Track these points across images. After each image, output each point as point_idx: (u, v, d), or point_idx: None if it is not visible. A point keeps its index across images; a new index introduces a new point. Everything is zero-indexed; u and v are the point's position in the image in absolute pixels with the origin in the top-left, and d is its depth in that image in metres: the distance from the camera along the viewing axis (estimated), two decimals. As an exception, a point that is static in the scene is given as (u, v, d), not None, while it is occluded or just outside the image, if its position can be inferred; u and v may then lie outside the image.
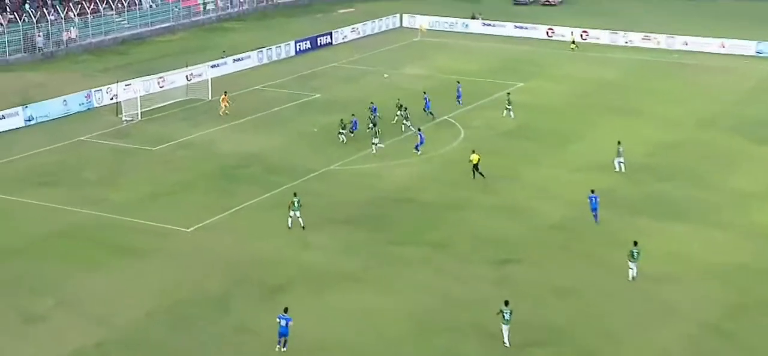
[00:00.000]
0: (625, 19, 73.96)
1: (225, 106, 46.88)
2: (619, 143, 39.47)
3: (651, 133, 44.46)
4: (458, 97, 47.32)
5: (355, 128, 42.86)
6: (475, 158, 38.26)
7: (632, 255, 29.23)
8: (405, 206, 35.24)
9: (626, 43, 66.67)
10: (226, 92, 48.13)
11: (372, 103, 44.99)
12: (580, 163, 40.43)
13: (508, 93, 48.65)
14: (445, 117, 47.25)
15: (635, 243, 29.62)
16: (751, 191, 36.79)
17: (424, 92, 47.54)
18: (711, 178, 37.87)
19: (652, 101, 50.82)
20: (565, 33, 68.39)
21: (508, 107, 46.82)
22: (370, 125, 42.24)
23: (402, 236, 32.57)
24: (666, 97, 51.63)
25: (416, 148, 40.60)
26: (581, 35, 67.99)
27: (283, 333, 24.66)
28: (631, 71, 58.44)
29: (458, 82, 48.37)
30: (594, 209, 33.71)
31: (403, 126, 43.38)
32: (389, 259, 30.89)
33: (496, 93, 52.28)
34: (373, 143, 40.87)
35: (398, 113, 44.46)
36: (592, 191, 34.20)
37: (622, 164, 38.90)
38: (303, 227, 32.58)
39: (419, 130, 41.80)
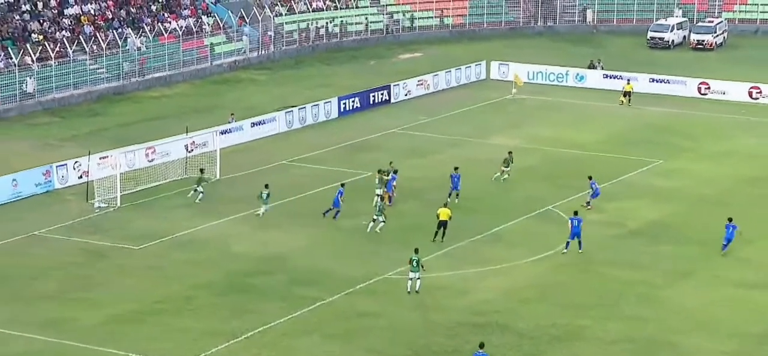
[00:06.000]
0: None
1: (387, 196, 46.61)
2: None
3: None
4: (455, 188, 47.30)
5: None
6: (444, 213, 41.13)
7: None
8: (492, 336, 35.20)
9: (819, 104, 66.28)
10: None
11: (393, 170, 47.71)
12: (748, 277, 39.95)
13: (510, 152, 50.91)
14: (550, 207, 47.46)
15: None
16: None
17: (456, 168, 48.27)
18: None
19: None
20: (727, 89, 68.31)
21: (506, 168, 49.94)
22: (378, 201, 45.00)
23: (487, 380, 32.58)
24: None
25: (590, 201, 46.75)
26: (751, 93, 67.77)
27: None
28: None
29: (456, 168, 48.17)
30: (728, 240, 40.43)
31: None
32: (469, 413, 30.96)
33: (624, 174, 52.33)
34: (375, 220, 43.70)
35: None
36: (730, 220, 40.79)
37: None
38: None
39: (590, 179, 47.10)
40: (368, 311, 37.17)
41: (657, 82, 69.86)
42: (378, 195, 46.38)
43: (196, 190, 47.90)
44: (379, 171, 47.82)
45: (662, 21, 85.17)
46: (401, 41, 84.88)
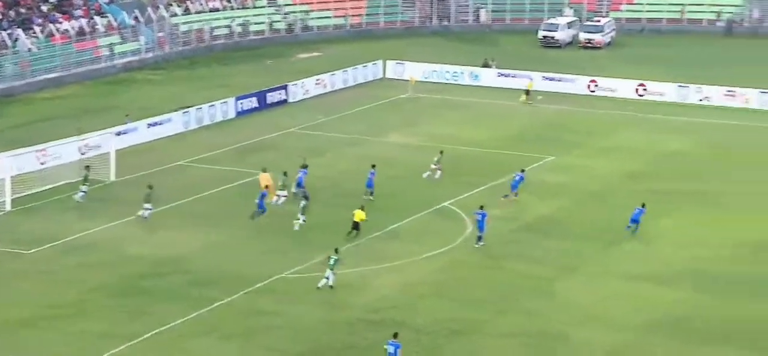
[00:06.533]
0: (698, 68, 75.57)
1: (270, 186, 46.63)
2: None
3: (738, 229, 45.02)
4: (369, 186, 47.68)
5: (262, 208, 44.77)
6: (358, 215, 41.97)
7: None
8: (389, 332, 35.22)
9: (701, 100, 68.08)
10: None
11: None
12: (635, 270, 40.80)
13: (441, 152, 51.31)
14: (446, 204, 47.82)
15: None
16: None
17: (373, 166, 48.45)
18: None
19: (740, 182, 51.58)
20: (614, 86, 69.85)
21: (435, 166, 50.41)
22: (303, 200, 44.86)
23: (384, 376, 32.63)
24: (759, 177, 52.42)
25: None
26: (636, 90, 69.44)
27: None
28: (708, 141, 59.44)
29: (373, 166, 48.42)
30: (635, 220, 43.52)
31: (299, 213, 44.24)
32: (367, 409, 30.94)
33: (518, 170, 52.99)
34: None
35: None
36: (643, 205, 43.86)
37: None
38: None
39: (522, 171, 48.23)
40: (267, 310, 36.90)
41: (550, 79, 71.03)
42: (279, 195, 46.10)
43: (81, 190, 46.91)
44: (264, 170, 47.42)
45: (553, 20, 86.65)
46: (299, 41, 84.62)
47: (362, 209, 43.40)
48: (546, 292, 38.80)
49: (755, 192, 49.75)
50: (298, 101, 67.09)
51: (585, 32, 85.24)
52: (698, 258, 41.71)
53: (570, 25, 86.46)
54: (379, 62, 74.53)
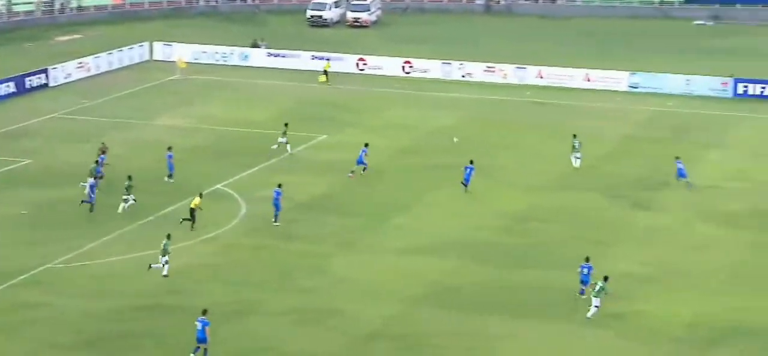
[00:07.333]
0: (460, 45, 78.18)
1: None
2: (574, 136, 50.42)
3: (501, 200, 46.84)
4: (170, 170, 47.38)
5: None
6: (197, 202, 41.82)
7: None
8: (164, 317, 34.56)
9: (464, 76, 70.43)
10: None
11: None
12: (407, 244, 41.69)
13: (286, 124, 52.20)
14: (219, 186, 47.28)
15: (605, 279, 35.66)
16: (636, 273, 39.42)
17: (170, 148, 47.91)
18: (582, 258, 40.20)
19: (500, 155, 53.73)
20: (382, 64, 71.16)
21: (282, 139, 51.12)
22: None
23: (161, 363, 31.95)
24: (518, 150, 54.81)
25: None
26: (403, 67, 71.02)
27: (201, 339, 31.59)
28: (472, 115, 61.56)
29: (169, 148, 48.10)
30: (466, 179, 46.62)
31: (124, 203, 43.42)
32: (143, 398, 30.15)
33: (291, 149, 53.07)
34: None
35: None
36: (471, 162, 46.81)
37: (578, 160, 50.40)
38: None
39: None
40: (32, 302, 35.37)
41: (320, 59, 71.47)
42: (88, 184, 43.97)
43: None
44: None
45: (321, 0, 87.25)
46: (58, 23, 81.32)
47: (201, 196, 42.50)
48: (322, 269, 39.07)
49: (517, 164, 51.97)
50: (60, 85, 64.53)
51: (352, 11, 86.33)
52: (467, 229, 43.13)
53: (337, 4, 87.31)
54: (146, 44, 72.72)
